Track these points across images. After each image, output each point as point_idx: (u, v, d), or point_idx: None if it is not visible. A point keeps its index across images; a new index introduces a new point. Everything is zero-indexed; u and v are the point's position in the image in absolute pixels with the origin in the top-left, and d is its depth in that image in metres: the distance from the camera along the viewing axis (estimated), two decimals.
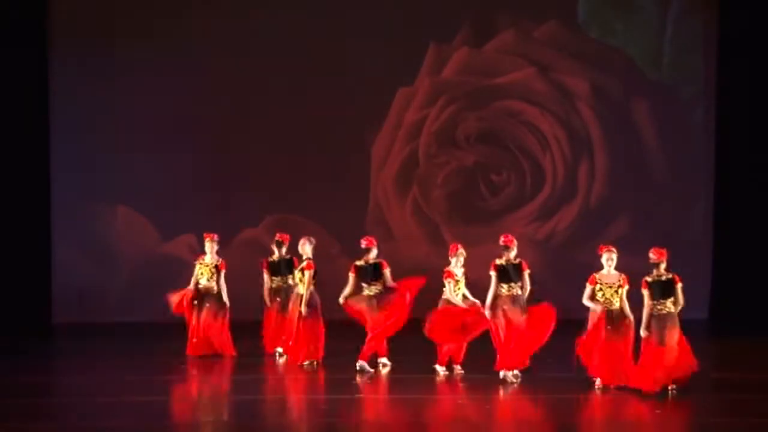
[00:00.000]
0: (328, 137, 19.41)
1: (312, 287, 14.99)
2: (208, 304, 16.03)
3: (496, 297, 14.43)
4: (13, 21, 18.76)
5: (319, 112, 19.38)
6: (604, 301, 13.73)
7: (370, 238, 15.18)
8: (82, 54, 19.19)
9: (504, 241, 14.59)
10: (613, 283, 13.76)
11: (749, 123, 19.00)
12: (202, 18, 19.38)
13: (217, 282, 16.05)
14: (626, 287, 13.75)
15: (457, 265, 14.65)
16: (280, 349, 15.88)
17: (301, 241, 15.22)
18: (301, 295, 15.03)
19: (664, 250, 13.75)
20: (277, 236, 16.23)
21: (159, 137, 19.28)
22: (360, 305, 14.98)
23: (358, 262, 15.04)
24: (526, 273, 14.47)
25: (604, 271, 13.85)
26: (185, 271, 18.95)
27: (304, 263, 15.01)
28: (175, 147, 19.29)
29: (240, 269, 19.39)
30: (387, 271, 14.95)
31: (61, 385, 14.63)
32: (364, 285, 14.98)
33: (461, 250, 14.68)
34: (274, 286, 16.11)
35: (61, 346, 17.72)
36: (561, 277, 18.58)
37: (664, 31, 19.66)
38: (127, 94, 19.21)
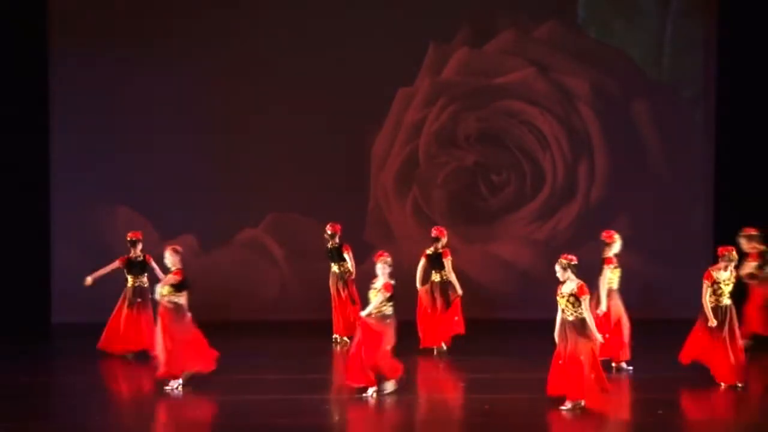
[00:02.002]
0: (328, 137, 19.40)
1: (182, 296, 14.21)
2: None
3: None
4: (14, 21, 18.75)
5: (319, 112, 19.36)
6: (562, 312, 13.23)
7: (440, 228, 16.57)
8: (83, 54, 19.17)
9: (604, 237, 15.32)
10: (565, 294, 13.16)
11: (749, 123, 18.99)
12: (202, 18, 19.35)
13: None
14: (584, 297, 13.05)
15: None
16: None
17: (166, 253, 14.54)
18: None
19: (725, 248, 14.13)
20: (328, 227, 17.28)
21: (159, 137, 19.26)
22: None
23: (428, 251, 16.46)
24: (604, 268, 15.02)
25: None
26: (185, 272, 18.95)
27: (170, 274, 14.30)
28: (175, 147, 19.27)
29: (240, 269, 19.46)
30: (446, 261, 16.36)
31: (61, 385, 14.63)
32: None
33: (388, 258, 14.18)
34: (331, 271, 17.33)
35: (61, 346, 17.71)
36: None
37: (664, 31, 19.65)
38: (127, 94, 19.18)
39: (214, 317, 18.51)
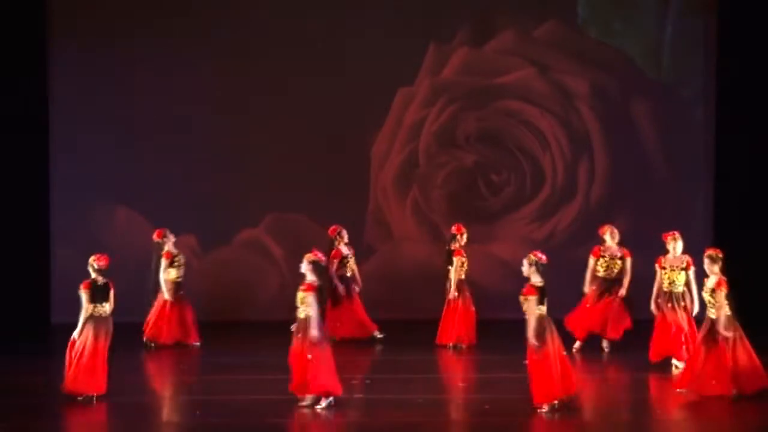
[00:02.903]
0: (328, 137, 19.40)
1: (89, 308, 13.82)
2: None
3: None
4: (13, 19, 18.74)
5: (319, 112, 19.37)
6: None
7: (458, 225, 17.02)
8: (83, 53, 19.18)
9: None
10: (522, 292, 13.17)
11: (749, 123, 18.98)
12: (202, 18, 19.36)
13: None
14: (528, 297, 13.05)
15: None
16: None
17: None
18: None
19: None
20: (330, 231, 17.54)
21: (159, 137, 19.27)
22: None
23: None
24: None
25: None
26: (184, 272, 18.96)
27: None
28: (175, 146, 19.28)
29: (240, 269, 19.46)
30: (455, 260, 16.80)
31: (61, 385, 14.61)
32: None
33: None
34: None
35: (61, 346, 17.68)
36: (560, 277, 18.57)
37: (664, 31, 19.65)
38: (127, 94, 19.19)
39: (214, 317, 18.57)
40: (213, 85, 19.31)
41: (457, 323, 16.79)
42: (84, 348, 13.66)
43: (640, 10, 19.67)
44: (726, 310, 13.43)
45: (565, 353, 13.10)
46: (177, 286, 17.04)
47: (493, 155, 19.67)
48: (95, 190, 19.29)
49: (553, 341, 13.03)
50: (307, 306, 13.15)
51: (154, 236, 17.22)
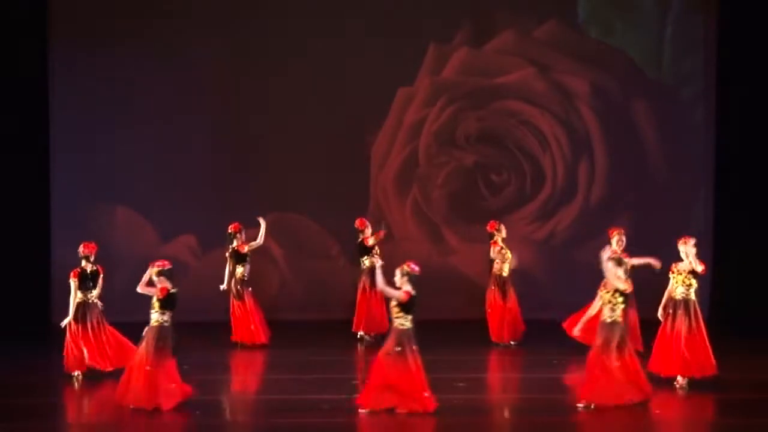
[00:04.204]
0: (328, 137, 19.41)
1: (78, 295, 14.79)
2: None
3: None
4: (14, 20, 18.76)
5: (319, 112, 19.39)
6: None
7: (491, 222, 17.13)
8: (83, 53, 19.20)
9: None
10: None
11: (749, 123, 19.00)
12: (202, 18, 19.39)
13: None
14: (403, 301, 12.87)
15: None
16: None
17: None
18: None
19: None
20: (356, 222, 17.59)
21: (159, 137, 19.28)
22: None
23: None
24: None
25: None
26: (185, 272, 18.98)
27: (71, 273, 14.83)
28: (175, 147, 19.29)
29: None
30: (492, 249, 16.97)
31: (61, 385, 14.64)
32: None
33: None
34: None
35: (61, 346, 17.71)
36: (561, 277, 18.61)
37: (664, 31, 19.66)
38: (127, 94, 19.21)
39: (214, 317, 18.56)
40: (213, 85, 19.32)
41: (496, 318, 16.82)
42: (88, 330, 14.57)
43: (640, 10, 19.68)
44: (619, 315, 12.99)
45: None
46: (243, 282, 17.04)
47: (493, 155, 19.68)
48: (95, 190, 19.31)
49: (413, 354, 12.77)
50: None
51: (230, 228, 17.12)
